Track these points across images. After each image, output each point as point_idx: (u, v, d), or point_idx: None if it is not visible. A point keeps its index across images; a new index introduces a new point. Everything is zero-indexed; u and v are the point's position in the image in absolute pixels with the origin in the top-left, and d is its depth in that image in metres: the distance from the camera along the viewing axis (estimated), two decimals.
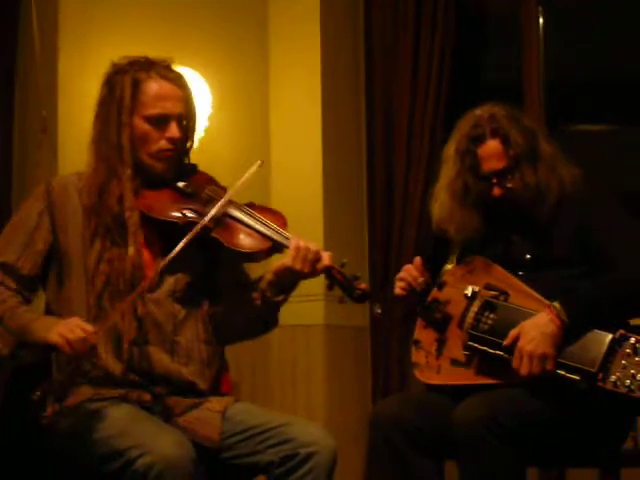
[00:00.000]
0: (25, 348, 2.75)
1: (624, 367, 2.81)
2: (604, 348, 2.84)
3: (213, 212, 2.77)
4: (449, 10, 4.69)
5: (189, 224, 2.76)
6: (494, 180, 3.06)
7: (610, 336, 2.85)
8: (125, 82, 2.82)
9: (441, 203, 3.16)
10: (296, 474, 2.69)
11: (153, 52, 4.41)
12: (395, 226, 4.68)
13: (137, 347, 2.77)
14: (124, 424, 2.64)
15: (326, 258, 2.79)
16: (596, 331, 2.88)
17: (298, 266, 2.77)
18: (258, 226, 2.82)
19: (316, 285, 4.40)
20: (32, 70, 4.56)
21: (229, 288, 2.93)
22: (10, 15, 4.63)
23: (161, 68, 2.87)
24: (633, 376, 2.79)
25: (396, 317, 4.56)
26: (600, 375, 2.83)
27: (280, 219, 2.86)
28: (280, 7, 4.77)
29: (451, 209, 3.13)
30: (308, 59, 4.69)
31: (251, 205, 2.88)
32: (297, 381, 4.62)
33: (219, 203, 2.79)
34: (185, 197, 2.84)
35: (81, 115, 4.41)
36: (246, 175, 2.85)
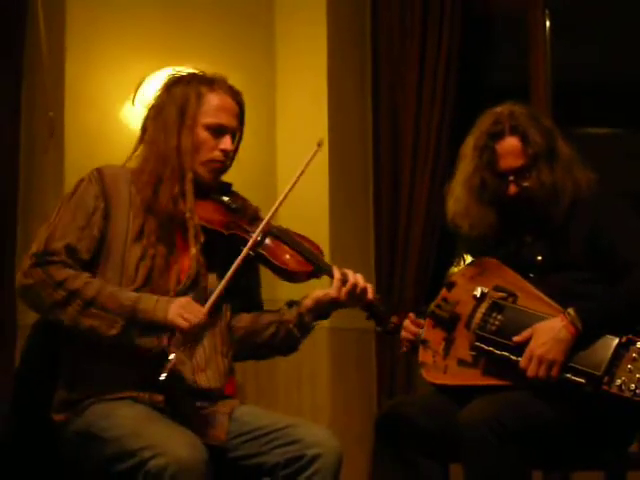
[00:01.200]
0: (135, 328, 2.69)
1: (630, 371, 2.80)
2: (610, 352, 2.84)
3: (262, 226, 2.81)
4: (455, 13, 4.69)
5: (234, 236, 2.82)
6: (511, 178, 3.07)
7: (616, 340, 2.85)
8: (189, 90, 2.88)
9: (457, 198, 3.17)
10: (302, 476, 2.69)
11: (159, 55, 4.44)
12: (401, 228, 4.68)
13: (160, 349, 2.75)
14: (136, 424, 2.64)
15: (370, 293, 2.86)
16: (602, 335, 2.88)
17: (343, 298, 2.83)
18: (301, 249, 2.88)
19: (321, 288, 4.43)
20: (39, 71, 4.57)
21: (245, 307, 2.98)
22: (17, 17, 4.63)
23: (222, 83, 2.94)
24: (639, 380, 2.79)
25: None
26: (605, 379, 2.83)
27: (316, 247, 2.93)
28: (286, 11, 4.77)
29: (467, 204, 3.14)
30: (314, 63, 4.70)
31: (289, 231, 2.94)
32: (302, 383, 4.62)
33: (267, 217, 2.84)
34: (231, 211, 2.89)
35: (88, 116, 4.48)
36: (319, 142, 2.90)
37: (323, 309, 2.89)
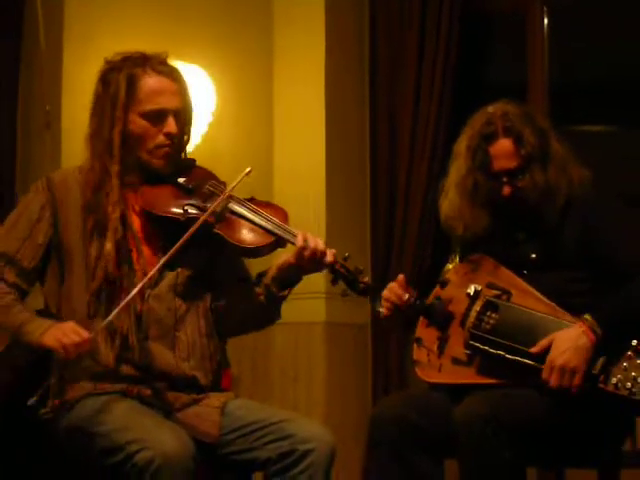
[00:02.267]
0: (19, 347, 2.76)
1: (625, 369, 2.81)
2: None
3: (214, 207, 2.77)
4: (454, 10, 4.69)
5: (191, 220, 2.77)
6: (504, 179, 3.05)
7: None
8: (120, 78, 2.82)
9: (450, 200, 3.15)
10: (294, 471, 2.69)
11: (157, 48, 4.41)
12: (397, 224, 4.68)
13: (138, 343, 2.77)
14: (125, 419, 2.65)
15: (330, 255, 2.80)
16: None
17: (303, 263, 2.78)
18: (261, 221, 2.82)
19: (318, 283, 4.44)
20: (37, 64, 4.56)
21: (229, 283, 2.94)
22: (15, 10, 4.62)
23: (156, 63, 2.86)
24: (634, 378, 2.79)
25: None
26: (601, 377, 2.84)
27: (281, 214, 2.86)
28: (285, 3, 4.76)
29: (460, 207, 3.12)
30: (313, 56, 4.69)
31: (252, 200, 2.88)
32: (298, 378, 4.62)
33: (220, 198, 2.79)
34: (186, 193, 2.84)
35: (85, 109, 4.46)
36: (248, 169, 2.82)
37: (288, 276, 2.85)
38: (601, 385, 2.83)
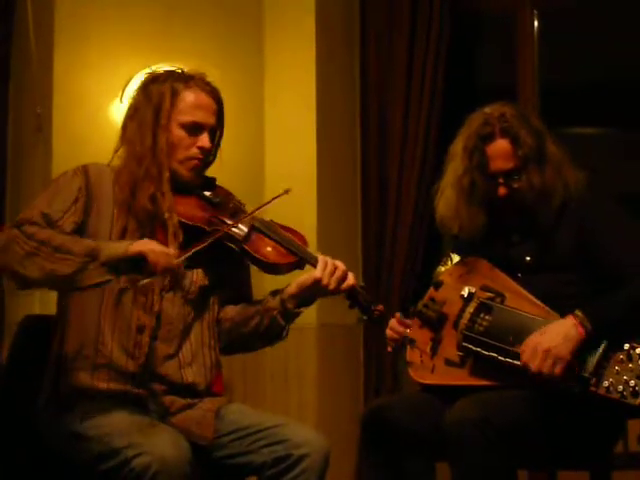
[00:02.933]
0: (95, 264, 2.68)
1: (617, 373, 2.81)
2: (598, 353, 2.85)
3: (246, 216, 2.86)
4: (444, 12, 4.70)
5: (215, 232, 2.82)
6: (500, 180, 3.05)
7: (604, 342, 2.86)
8: (164, 89, 2.88)
9: (447, 200, 3.15)
10: (288, 475, 2.70)
11: (148, 52, 4.42)
12: (388, 228, 4.69)
13: (145, 342, 2.78)
14: (122, 423, 2.66)
15: (351, 278, 2.87)
16: None
17: (325, 281, 2.84)
18: (283, 241, 2.89)
19: None
20: (27, 67, 4.55)
21: (235, 300, 2.98)
22: (5, 13, 4.61)
23: (199, 80, 2.93)
24: (626, 382, 2.79)
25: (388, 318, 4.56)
26: (593, 380, 2.84)
27: (301, 238, 2.94)
28: (276, 8, 4.77)
29: (457, 207, 3.12)
30: (303, 60, 4.70)
31: (272, 223, 2.95)
32: (289, 380, 4.62)
33: (249, 213, 2.88)
34: (213, 206, 2.91)
35: (76, 113, 4.47)
36: (286, 190, 2.95)
37: (306, 295, 2.89)
38: (593, 388, 2.83)
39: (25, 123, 4.58)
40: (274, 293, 2.94)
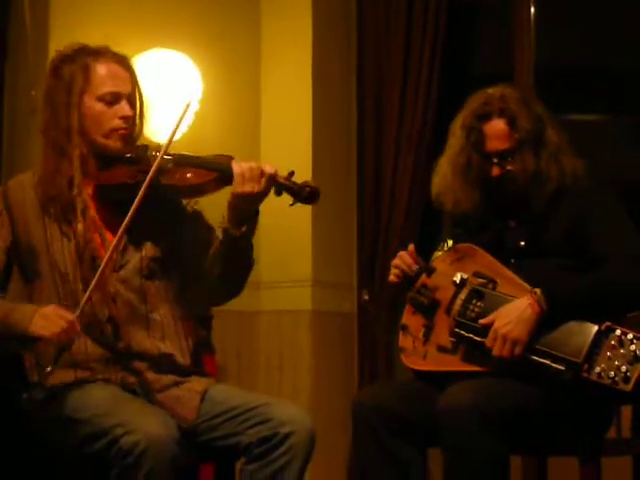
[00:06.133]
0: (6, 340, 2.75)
1: (609, 359, 2.81)
2: (590, 339, 2.85)
3: (157, 163, 2.80)
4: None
5: (139, 183, 2.79)
6: (495, 160, 3.07)
7: (596, 327, 2.86)
8: (74, 67, 2.88)
9: (442, 176, 3.17)
10: (275, 453, 2.71)
11: (144, 36, 4.40)
12: (383, 213, 4.68)
13: (112, 327, 2.80)
14: (108, 404, 2.67)
15: (267, 168, 2.80)
16: (582, 322, 2.89)
17: (246, 188, 2.78)
18: (201, 162, 2.86)
19: (304, 271, 4.45)
20: (23, 50, 4.54)
21: (201, 251, 2.94)
22: None
23: (107, 52, 2.93)
24: (617, 368, 2.79)
25: (384, 303, 4.57)
26: (585, 366, 2.84)
27: (224, 157, 2.89)
28: None
29: (452, 182, 3.14)
30: (300, 42, 4.70)
31: (188, 155, 2.92)
32: (283, 366, 4.62)
33: (160, 153, 2.83)
34: (131, 163, 2.89)
35: None
36: (178, 118, 2.87)
37: (240, 211, 2.81)
38: (585, 374, 2.84)
39: (20, 105, 4.58)
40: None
